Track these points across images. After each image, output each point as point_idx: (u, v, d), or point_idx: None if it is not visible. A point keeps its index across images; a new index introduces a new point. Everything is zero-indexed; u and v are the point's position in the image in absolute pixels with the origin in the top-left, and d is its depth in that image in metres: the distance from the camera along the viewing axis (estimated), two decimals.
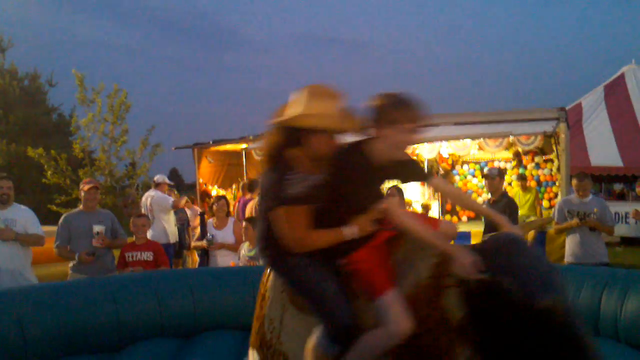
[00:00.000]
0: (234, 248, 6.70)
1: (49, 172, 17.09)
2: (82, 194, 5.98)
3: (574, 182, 6.38)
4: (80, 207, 6.09)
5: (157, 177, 9.57)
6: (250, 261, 6.24)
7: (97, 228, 5.78)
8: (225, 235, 6.82)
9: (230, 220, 7.02)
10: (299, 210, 2.67)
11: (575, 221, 6.14)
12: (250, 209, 8.80)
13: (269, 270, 3.13)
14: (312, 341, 2.75)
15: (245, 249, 6.44)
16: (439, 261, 2.64)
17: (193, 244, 7.40)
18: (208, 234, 6.88)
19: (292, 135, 2.72)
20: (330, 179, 2.70)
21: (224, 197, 7.45)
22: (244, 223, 6.72)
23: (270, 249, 2.84)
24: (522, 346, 2.33)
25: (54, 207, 16.96)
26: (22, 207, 5.81)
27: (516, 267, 2.40)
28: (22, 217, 5.66)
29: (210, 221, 7.16)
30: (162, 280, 5.08)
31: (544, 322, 2.29)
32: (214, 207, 7.16)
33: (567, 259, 6.30)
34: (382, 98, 2.69)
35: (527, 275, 2.36)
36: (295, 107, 2.73)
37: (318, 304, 2.75)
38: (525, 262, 2.43)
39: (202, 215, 7.77)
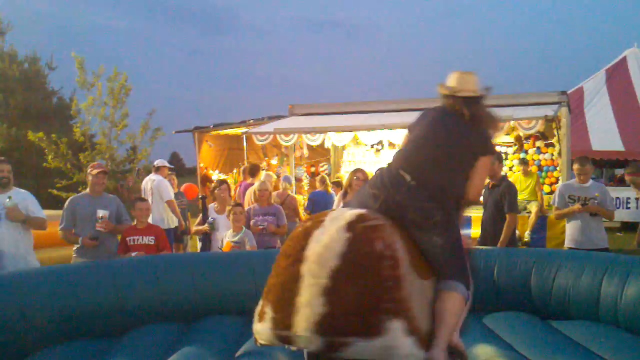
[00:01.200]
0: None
1: (50, 156, 17.09)
2: (90, 177, 5.97)
3: (575, 166, 6.35)
4: (87, 190, 6.09)
5: (157, 162, 9.56)
6: (235, 246, 6.25)
7: (101, 213, 5.77)
8: (226, 218, 6.79)
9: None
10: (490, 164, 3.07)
11: (577, 206, 6.13)
12: (250, 194, 8.80)
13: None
14: (452, 296, 2.77)
15: (229, 235, 6.45)
16: None
17: (194, 228, 7.38)
18: (209, 218, 6.87)
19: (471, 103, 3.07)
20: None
21: (225, 181, 7.45)
22: (229, 207, 6.72)
23: (444, 203, 2.90)
24: None
25: (55, 191, 16.98)
26: (22, 190, 5.81)
27: None
28: (23, 200, 5.66)
29: (212, 205, 7.14)
30: (163, 265, 5.09)
31: None
32: (216, 191, 7.14)
33: (567, 244, 6.29)
34: None
35: None
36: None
37: (462, 260, 2.89)
38: None
39: (203, 199, 7.73)
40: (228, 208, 6.72)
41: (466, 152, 2.99)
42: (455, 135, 3.00)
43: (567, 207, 6.26)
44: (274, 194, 9.12)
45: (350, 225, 2.63)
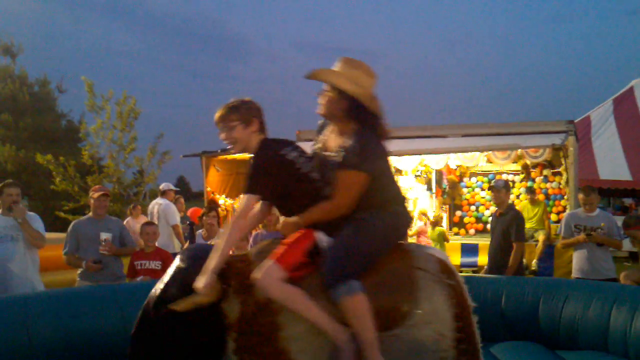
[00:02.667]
0: None
1: (58, 179, 17.15)
2: (92, 201, 5.98)
3: (581, 196, 6.33)
4: (90, 214, 6.09)
5: (163, 185, 9.66)
6: None
7: (104, 236, 5.75)
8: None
9: (220, 232, 6.85)
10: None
11: (582, 236, 6.09)
12: None
13: None
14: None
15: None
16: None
17: None
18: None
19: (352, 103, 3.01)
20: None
21: (215, 208, 7.22)
22: (204, 212, 6.64)
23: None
24: None
25: (62, 214, 17.02)
26: (31, 213, 5.84)
27: None
28: (31, 222, 5.68)
29: (200, 232, 6.96)
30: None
31: None
32: (204, 218, 6.93)
33: (575, 274, 6.25)
34: None
35: None
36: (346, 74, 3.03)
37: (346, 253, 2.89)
38: None
39: (191, 225, 7.64)
40: (203, 212, 6.63)
41: None
42: None
43: (573, 236, 6.22)
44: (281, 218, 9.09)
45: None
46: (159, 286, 2.97)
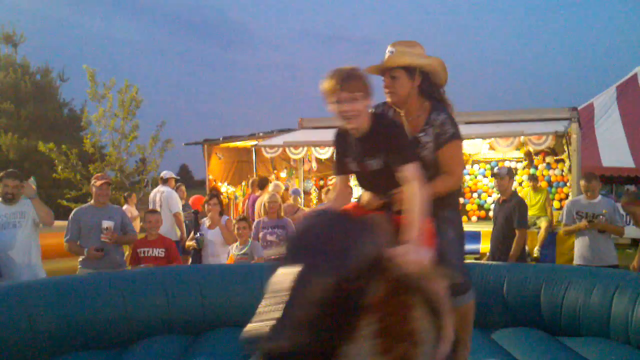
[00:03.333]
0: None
1: (60, 167, 17.15)
2: (94, 189, 5.98)
3: (582, 182, 6.32)
4: (91, 202, 6.10)
5: (164, 173, 9.70)
6: (243, 258, 6.23)
7: (105, 224, 5.75)
8: (217, 234, 6.67)
9: (223, 220, 6.85)
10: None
11: (583, 223, 6.09)
12: (259, 206, 8.77)
13: None
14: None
15: (235, 248, 6.42)
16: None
17: (187, 243, 7.28)
18: (198, 234, 6.73)
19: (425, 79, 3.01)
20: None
21: (216, 195, 7.26)
22: (234, 222, 6.66)
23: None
24: None
25: (64, 202, 17.04)
26: (28, 200, 5.84)
27: None
28: (32, 209, 5.68)
29: (204, 220, 7.00)
30: (170, 277, 5.08)
31: None
32: (206, 206, 6.95)
33: (576, 261, 6.25)
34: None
35: None
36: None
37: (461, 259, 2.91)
38: None
39: (196, 213, 7.64)
40: (233, 222, 6.67)
41: None
42: None
43: (575, 223, 6.22)
44: (283, 206, 9.11)
45: None
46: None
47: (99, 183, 5.96)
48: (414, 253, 2.38)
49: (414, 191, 2.59)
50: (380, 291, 2.37)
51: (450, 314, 2.60)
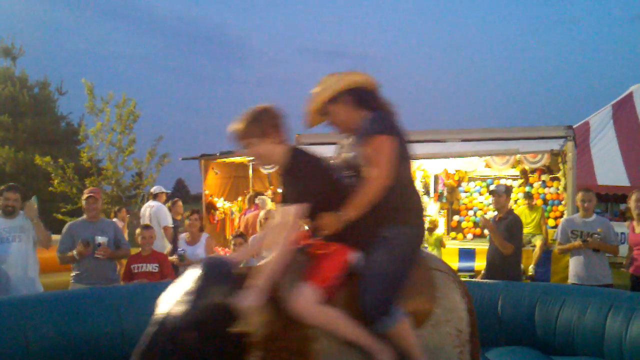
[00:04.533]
0: None
1: (56, 181, 17.14)
2: (83, 203, 5.99)
3: (580, 195, 6.30)
4: (84, 216, 6.09)
5: (155, 188, 9.85)
6: None
7: (99, 239, 5.73)
8: (196, 251, 6.54)
9: (204, 237, 6.73)
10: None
11: (578, 242, 6.08)
12: (252, 221, 8.81)
13: None
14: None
15: None
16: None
17: (169, 258, 7.15)
18: (180, 249, 6.59)
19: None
20: None
21: (197, 211, 7.14)
22: (231, 238, 6.61)
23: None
24: None
25: (60, 216, 17.02)
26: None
27: None
28: (30, 225, 5.69)
29: (183, 236, 6.86)
30: (164, 292, 5.07)
31: None
32: (187, 221, 6.81)
33: (571, 280, 6.24)
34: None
35: None
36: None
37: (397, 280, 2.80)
38: None
39: (175, 229, 7.57)
40: (229, 238, 6.64)
41: None
42: None
43: (569, 242, 6.22)
44: None
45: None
46: (178, 308, 2.62)
47: (85, 196, 5.97)
48: (245, 299, 2.54)
49: (276, 234, 2.78)
50: (266, 329, 2.59)
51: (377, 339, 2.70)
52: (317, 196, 2.76)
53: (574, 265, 6.22)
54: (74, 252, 5.68)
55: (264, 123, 2.81)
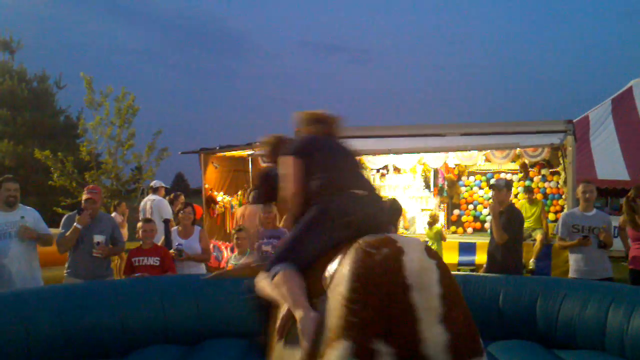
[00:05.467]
0: (202, 259, 6.55)
1: (55, 175, 17.11)
2: (83, 202, 5.97)
3: (581, 186, 6.22)
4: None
5: (154, 182, 9.90)
6: None
7: (97, 238, 5.74)
8: (192, 244, 6.49)
9: (196, 229, 6.68)
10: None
11: (588, 241, 5.99)
12: (243, 212, 8.85)
13: None
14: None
15: (233, 258, 6.43)
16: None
17: None
18: (177, 244, 6.47)
19: None
20: None
21: (190, 204, 7.06)
22: (233, 232, 6.62)
23: None
24: None
25: (60, 210, 16.99)
26: (29, 208, 5.83)
27: None
28: (31, 218, 5.69)
29: (175, 229, 6.77)
30: (166, 286, 5.08)
31: None
32: (180, 214, 6.77)
33: (572, 274, 6.22)
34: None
35: None
36: None
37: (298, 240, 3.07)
38: None
39: (166, 222, 7.51)
40: (229, 232, 6.64)
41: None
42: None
43: (570, 236, 6.20)
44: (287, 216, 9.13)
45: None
46: None
47: (84, 197, 5.96)
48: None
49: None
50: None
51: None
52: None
53: (574, 260, 6.21)
54: (74, 224, 5.68)
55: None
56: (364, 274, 2.64)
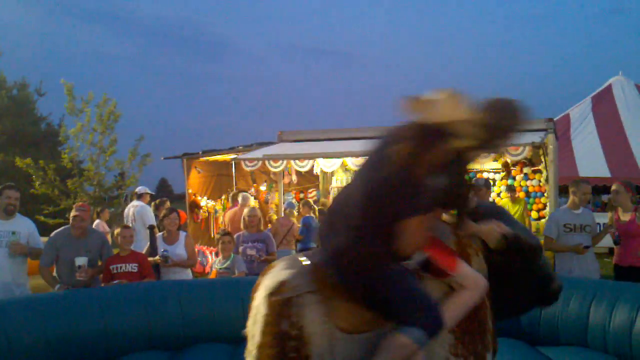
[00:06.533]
0: (188, 265, 6.48)
1: (37, 182, 17.00)
2: (71, 219, 5.79)
3: (583, 187, 6.17)
4: (71, 230, 5.82)
5: (139, 189, 9.82)
6: (225, 272, 6.21)
7: (79, 261, 5.54)
8: (177, 250, 6.42)
9: (182, 235, 6.60)
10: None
11: (579, 247, 5.94)
12: (231, 217, 8.81)
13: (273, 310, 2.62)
14: (398, 339, 2.54)
15: (217, 262, 6.40)
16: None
17: (150, 258, 6.91)
18: (163, 250, 6.38)
19: None
20: None
21: (175, 210, 6.95)
22: (218, 236, 6.59)
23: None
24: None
25: (42, 218, 16.87)
26: (25, 218, 5.80)
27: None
28: (26, 229, 5.64)
29: (160, 235, 6.69)
30: (150, 292, 5.05)
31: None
32: (165, 220, 6.66)
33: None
34: None
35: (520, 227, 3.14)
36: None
37: (411, 304, 2.60)
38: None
39: (151, 228, 7.45)
40: (213, 237, 6.61)
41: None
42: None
43: (563, 235, 6.11)
44: (279, 220, 9.15)
45: (267, 299, 2.60)
46: None
47: (73, 214, 5.78)
48: None
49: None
50: None
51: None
52: None
53: (563, 262, 6.11)
54: (56, 287, 5.57)
55: None
56: None
